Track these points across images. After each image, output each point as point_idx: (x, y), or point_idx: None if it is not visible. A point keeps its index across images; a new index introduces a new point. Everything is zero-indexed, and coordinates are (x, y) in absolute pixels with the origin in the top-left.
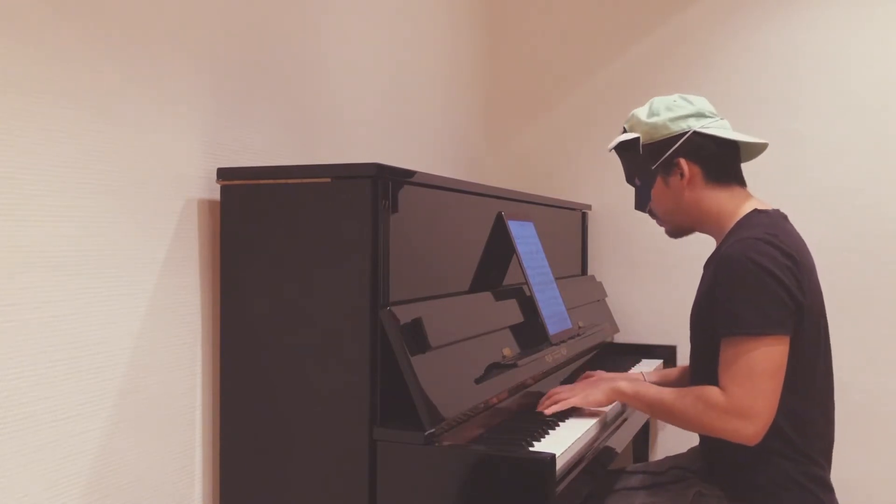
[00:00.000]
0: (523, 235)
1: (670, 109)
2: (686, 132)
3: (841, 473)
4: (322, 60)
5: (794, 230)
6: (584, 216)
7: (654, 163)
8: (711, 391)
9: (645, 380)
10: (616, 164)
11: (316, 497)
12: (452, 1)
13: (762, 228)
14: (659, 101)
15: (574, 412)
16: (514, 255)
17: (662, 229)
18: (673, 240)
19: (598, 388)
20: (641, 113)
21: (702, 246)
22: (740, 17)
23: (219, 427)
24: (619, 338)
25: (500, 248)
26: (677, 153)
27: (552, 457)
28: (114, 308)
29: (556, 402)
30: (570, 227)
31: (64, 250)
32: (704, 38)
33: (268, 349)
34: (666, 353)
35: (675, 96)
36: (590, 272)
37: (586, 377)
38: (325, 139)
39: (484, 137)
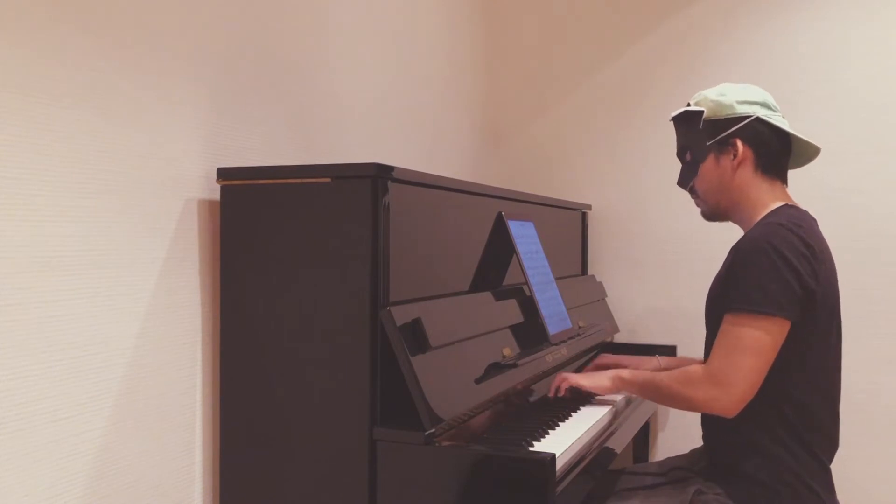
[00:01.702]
0: (523, 235)
1: (739, 93)
2: (750, 116)
3: (841, 473)
4: (322, 60)
5: (819, 230)
6: (584, 216)
7: (711, 139)
8: (695, 366)
9: (660, 363)
10: (616, 164)
11: (316, 497)
12: (452, 1)
13: (787, 218)
14: (729, 85)
15: (575, 411)
16: (514, 255)
17: (662, 230)
18: (673, 240)
19: (605, 374)
20: (710, 92)
21: (703, 246)
22: (740, 17)
23: (219, 427)
24: (619, 338)
25: (500, 248)
26: (736, 134)
27: (552, 457)
28: (114, 308)
29: (567, 384)
30: (570, 227)
31: (64, 250)
32: (704, 38)
33: (268, 349)
34: (666, 353)
35: (746, 84)
36: (590, 272)
37: (600, 358)
38: (325, 139)
39: (484, 137)
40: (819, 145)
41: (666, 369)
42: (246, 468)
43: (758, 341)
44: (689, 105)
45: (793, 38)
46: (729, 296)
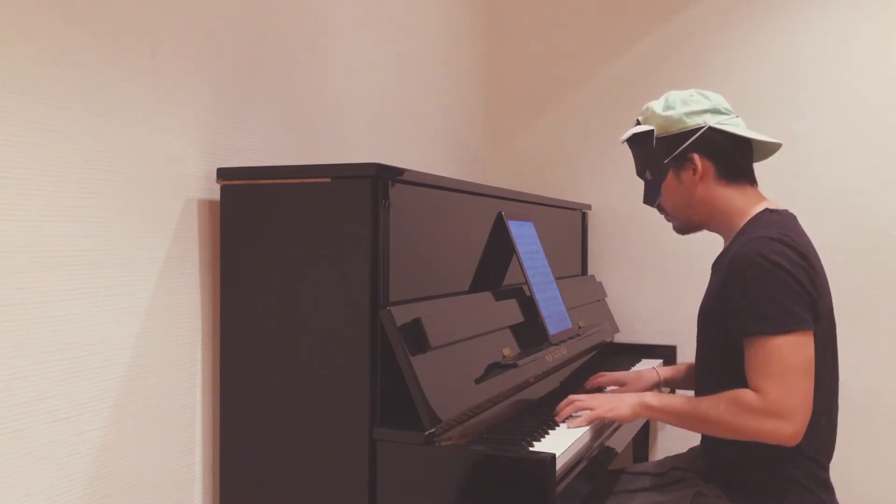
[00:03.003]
0: (523, 235)
1: (686, 104)
2: (701, 127)
3: (841, 473)
4: (322, 60)
5: (804, 231)
6: (584, 216)
7: (666, 156)
8: (745, 394)
9: (659, 375)
10: (616, 164)
11: (316, 497)
12: (452, 1)
13: (775, 228)
14: (675, 95)
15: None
16: (514, 255)
17: (662, 230)
18: (672, 240)
19: (625, 402)
20: (657, 106)
21: (702, 246)
22: (740, 17)
23: (219, 427)
24: (619, 338)
25: (500, 248)
26: (691, 148)
27: (552, 457)
28: (114, 308)
29: (577, 410)
30: (570, 227)
31: (64, 250)
32: (704, 38)
33: (267, 349)
34: (666, 353)
35: (692, 91)
36: (590, 272)
37: (597, 379)
38: (325, 139)
39: (484, 137)
40: (779, 141)
41: (670, 380)
42: (246, 468)
43: (802, 360)
44: (637, 122)
45: (793, 38)
46: (744, 319)
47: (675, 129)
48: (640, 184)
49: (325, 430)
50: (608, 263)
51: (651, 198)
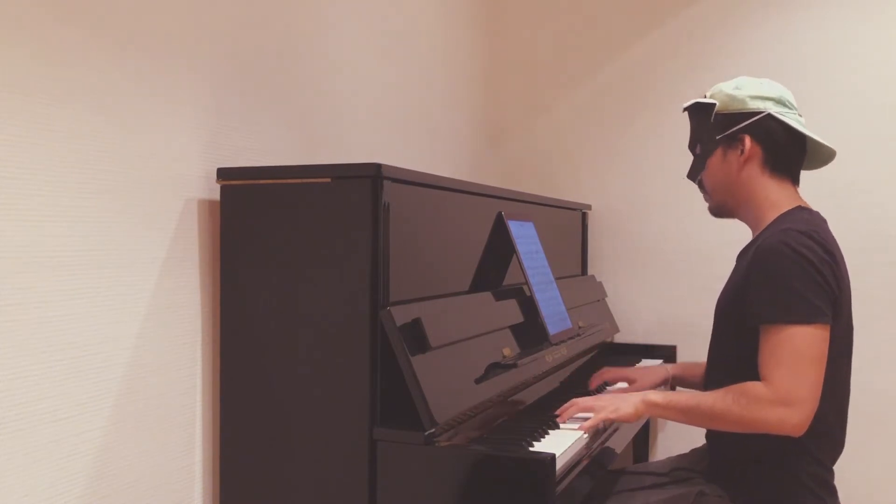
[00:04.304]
0: (523, 235)
1: (754, 88)
2: (761, 112)
3: (842, 474)
4: (322, 60)
5: (832, 234)
6: (584, 216)
7: (720, 132)
8: (752, 384)
9: (668, 372)
10: (616, 164)
11: (316, 497)
12: (452, 1)
13: (804, 224)
14: (746, 79)
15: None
16: (514, 255)
17: (662, 230)
18: (673, 240)
19: (628, 401)
20: (726, 85)
21: (704, 245)
22: (741, 17)
23: (219, 427)
24: (619, 338)
25: (500, 248)
26: (746, 129)
27: (552, 457)
28: (114, 308)
29: (579, 411)
30: (570, 227)
31: (64, 250)
32: (705, 38)
33: (268, 349)
34: (666, 353)
35: (765, 79)
36: (590, 272)
37: (602, 374)
38: (325, 139)
39: (484, 137)
40: (833, 147)
41: (679, 377)
42: (246, 468)
43: (814, 350)
44: (704, 97)
45: (793, 38)
46: (762, 307)
47: (735, 108)
48: (640, 184)
49: (325, 429)
50: (608, 263)
51: (695, 172)
